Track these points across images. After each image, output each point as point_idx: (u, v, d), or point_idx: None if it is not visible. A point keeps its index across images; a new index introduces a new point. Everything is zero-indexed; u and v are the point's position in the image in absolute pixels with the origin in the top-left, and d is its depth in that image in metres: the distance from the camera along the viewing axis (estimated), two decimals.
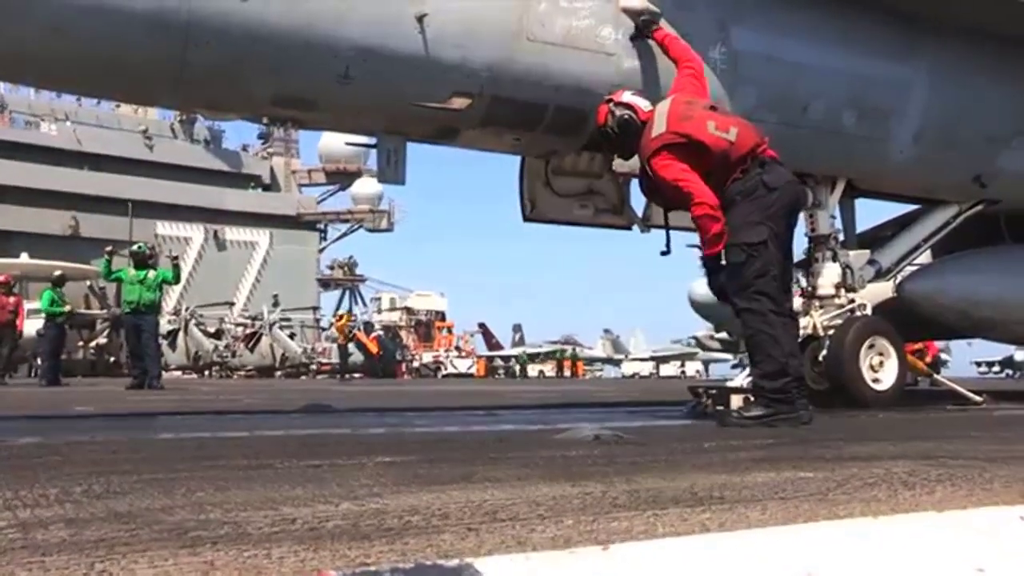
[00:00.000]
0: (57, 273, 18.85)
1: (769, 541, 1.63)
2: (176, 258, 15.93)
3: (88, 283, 37.76)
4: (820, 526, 1.76)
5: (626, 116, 5.28)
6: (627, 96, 5.39)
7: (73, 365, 29.04)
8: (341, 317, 36.68)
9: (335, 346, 35.96)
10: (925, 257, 8.49)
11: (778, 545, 1.60)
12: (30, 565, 1.38)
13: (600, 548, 1.52)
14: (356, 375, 34.14)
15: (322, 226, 59.68)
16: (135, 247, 15.39)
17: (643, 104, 5.31)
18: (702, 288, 22.18)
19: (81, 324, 31.09)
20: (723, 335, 30.06)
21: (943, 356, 34.21)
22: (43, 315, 18.10)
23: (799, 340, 6.95)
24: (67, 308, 18.03)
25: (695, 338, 42.67)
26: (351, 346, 34.20)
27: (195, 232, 51.01)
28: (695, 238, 5.42)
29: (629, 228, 7.33)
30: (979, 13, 7.04)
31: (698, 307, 22.25)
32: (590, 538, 1.61)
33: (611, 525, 1.74)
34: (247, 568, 1.38)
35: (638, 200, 7.10)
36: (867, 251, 7.53)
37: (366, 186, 56.09)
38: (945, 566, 1.46)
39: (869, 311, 7.04)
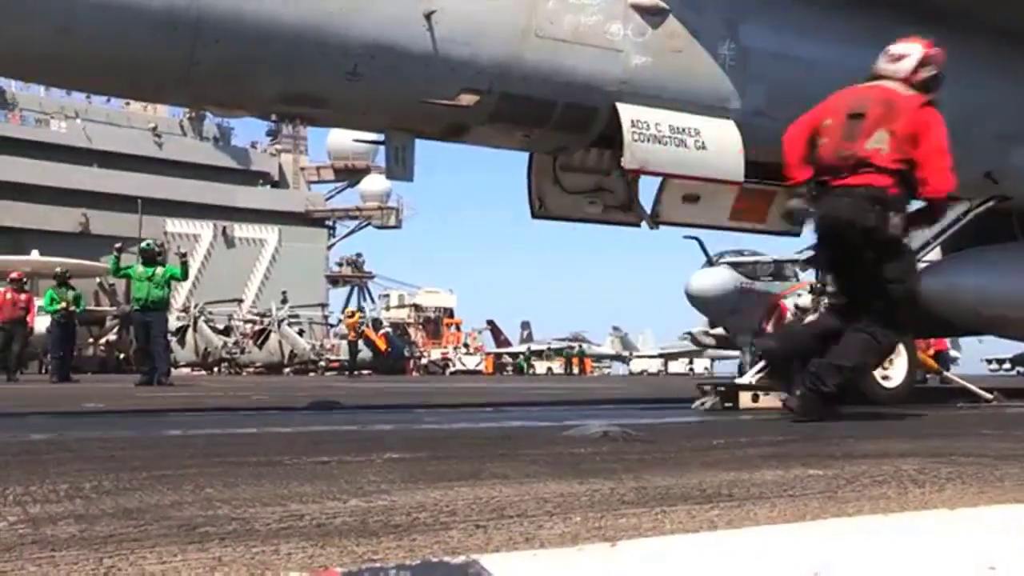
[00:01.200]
0: (58, 270, 18.76)
1: (777, 538, 1.62)
2: (184, 255, 15.98)
3: (98, 280, 37.93)
4: (829, 523, 1.75)
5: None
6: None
7: (83, 362, 29.18)
8: (352, 314, 36.77)
9: (343, 343, 36.07)
10: (936, 254, 8.45)
11: (786, 542, 1.59)
12: (40, 560, 1.39)
13: (608, 545, 1.52)
14: (365, 372, 34.20)
15: (331, 223, 59.85)
16: (144, 244, 15.44)
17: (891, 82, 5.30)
18: (700, 281, 21.89)
19: (91, 321, 31.23)
20: (719, 331, 29.59)
21: (954, 353, 33.94)
22: (47, 313, 18.12)
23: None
24: (62, 305, 17.69)
25: (690, 334, 41.99)
26: (360, 343, 34.30)
27: (204, 229, 51.22)
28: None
29: (638, 225, 7.32)
30: (991, 8, 7.01)
31: (696, 301, 21.88)
32: (598, 535, 1.61)
33: (619, 522, 1.73)
34: (255, 564, 1.38)
35: (647, 197, 7.09)
36: None
37: (374, 183, 56.21)
38: (956, 564, 1.45)
39: None
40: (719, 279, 21.45)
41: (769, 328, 22.41)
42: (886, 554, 1.51)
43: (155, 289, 14.17)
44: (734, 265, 21.92)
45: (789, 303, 23.49)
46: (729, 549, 1.54)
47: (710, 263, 21.76)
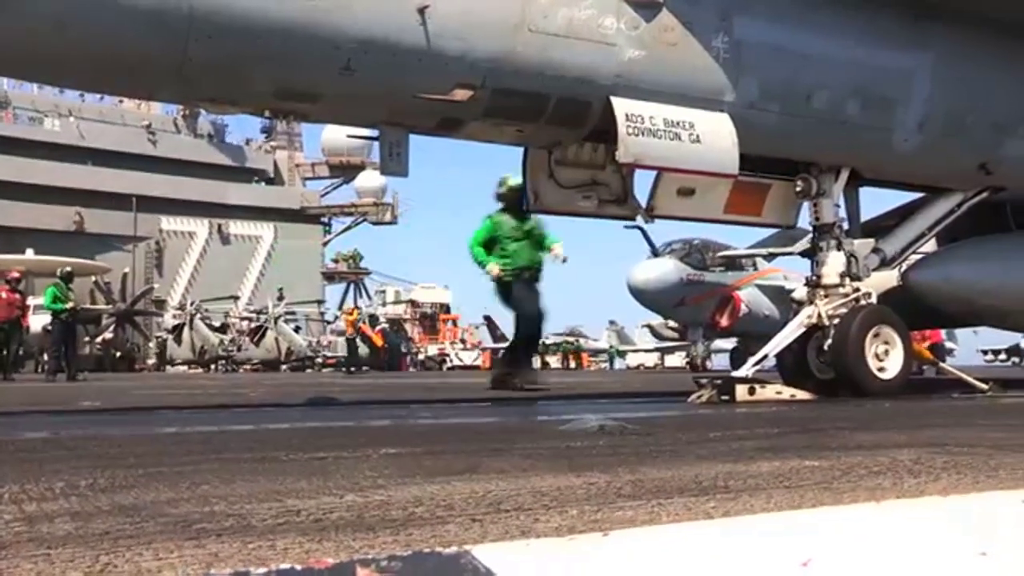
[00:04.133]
0: (67, 270, 18.63)
1: (768, 526, 1.63)
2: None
3: (94, 279, 37.85)
4: (821, 511, 1.76)
5: None
6: None
7: (79, 361, 29.09)
8: (352, 311, 36.77)
9: (340, 339, 36.05)
10: (930, 245, 8.46)
11: (778, 530, 1.60)
12: (35, 558, 1.39)
13: (600, 534, 1.52)
14: (362, 368, 34.21)
15: (326, 219, 59.75)
16: (510, 183, 8.75)
17: None
18: (642, 273, 21.20)
19: (87, 319, 31.18)
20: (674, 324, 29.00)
21: (950, 344, 33.99)
22: (48, 311, 18.01)
23: (804, 330, 6.99)
24: (69, 304, 17.65)
25: (649, 326, 41.35)
26: (356, 339, 34.29)
27: (199, 226, 51.10)
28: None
29: (633, 219, 7.33)
30: (984, 1, 7.01)
31: (638, 294, 21.04)
32: (594, 527, 1.61)
33: (615, 515, 1.74)
34: (251, 560, 1.38)
35: (642, 190, 7.10)
36: (872, 240, 7.52)
37: (370, 179, 56.10)
38: (947, 550, 1.46)
39: (874, 300, 7.04)
40: (662, 271, 20.76)
41: (723, 321, 21.80)
42: (877, 540, 1.52)
43: (532, 250, 9.15)
44: (681, 255, 21.20)
45: (744, 294, 22.93)
46: (718, 537, 1.54)
47: (655, 254, 21.10)
